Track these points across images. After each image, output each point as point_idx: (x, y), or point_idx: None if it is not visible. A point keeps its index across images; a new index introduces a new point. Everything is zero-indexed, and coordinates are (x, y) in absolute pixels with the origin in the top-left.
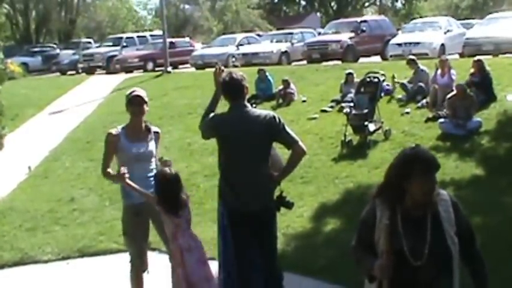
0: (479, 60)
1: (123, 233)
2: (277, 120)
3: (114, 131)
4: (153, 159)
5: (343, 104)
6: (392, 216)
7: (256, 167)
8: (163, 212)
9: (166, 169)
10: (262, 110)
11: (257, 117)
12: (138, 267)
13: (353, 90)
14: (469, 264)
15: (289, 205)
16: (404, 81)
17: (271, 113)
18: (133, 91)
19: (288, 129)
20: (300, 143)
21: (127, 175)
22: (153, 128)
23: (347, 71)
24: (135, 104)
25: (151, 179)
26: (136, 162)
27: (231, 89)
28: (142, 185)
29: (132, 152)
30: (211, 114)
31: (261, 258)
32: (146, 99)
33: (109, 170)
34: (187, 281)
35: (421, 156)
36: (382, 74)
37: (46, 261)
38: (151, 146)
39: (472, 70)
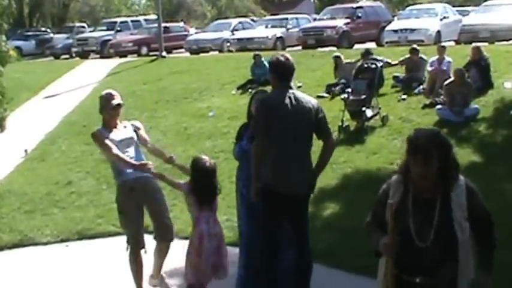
0: (477, 47)
1: (119, 212)
2: (321, 108)
3: (95, 130)
4: (134, 145)
5: (337, 88)
6: (404, 195)
7: (304, 149)
8: (193, 198)
9: (205, 158)
10: (307, 95)
11: (307, 101)
12: (136, 246)
13: (343, 73)
14: (478, 246)
15: None
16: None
17: (315, 100)
18: (110, 97)
19: (326, 117)
20: (333, 136)
21: (151, 166)
22: (128, 122)
23: (334, 54)
24: (114, 113)
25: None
26: (123, 147)
27: (285, 70)
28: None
29: (114, 139)
30: (260, 98)
31: (295, 241)
32: (122, 102)
33: (119, 152)
34: (197, 267)
35: (413, 137)
36: (380, 60)
37: (45, 244)
38: (130, 133)
39: (470, 57)
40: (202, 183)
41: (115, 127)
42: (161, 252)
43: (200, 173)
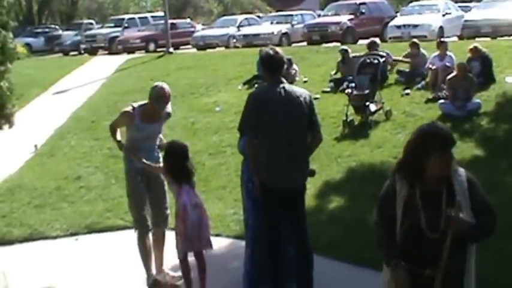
0: (475, 47)
1: (127, 195)
2: (313, 101)
3: (130, 110)
4: (156, 137)
5: (345, 84)
6: (411, 190)
7: (298, 143)
8: (168, 178)
9: (178, 141)
10: (299, 88)
11: (299, 95)
12: (143, 228)
13: (349, 67)
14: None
15: (313, 173)
16: (401, 68)
17: (308, 92)
18: (165, 98)
19: (317, 112)
20: (321, 131)
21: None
22: (167, 109)
23: (341, 47)
24: (158, 113)
25: (156, 152)
26: (145, 139)
27: (274, 63)
28: (147, 159)
29: (143, 132)
30: (251, 93)
31: (293, 234)
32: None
33: (117, 132)
34: (185, 236)
35: (438, 132)
36: (382, 56)
37: (55, 237)
38: (161, 125)
39: (469, 55)
40: (173, 164)
41: (153, 115)
42: (158, 243)
43: (171, 154)
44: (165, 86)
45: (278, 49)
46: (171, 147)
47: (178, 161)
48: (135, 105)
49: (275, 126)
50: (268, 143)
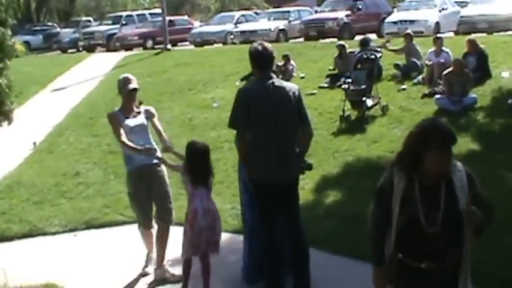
0: (472, 40)
1: (128, 194)
2: (301, 95)
3: (112, 112)
4: (145, 131)
5: (342, 79)
6: (409, 184)
7: (289, 138)
8: (187, 177)
9: (199, 140)
10: (287, 83)
11: (288, 90)
12: (145, 226)
13: (346, 63)
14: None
15: (310, 167)
16: (399, 62)
17: (297, 86)
18: (127, 81)
19: (305, 106)
20: (311, 125)
21: (155, 151)
22: (143, 107)
23: (339, 43)
24: (130, 97)
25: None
26: (133, 134)
27: (264, 59)
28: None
29: (128, 125)
30: (240, 89)
31: (288, 230)
32: (138, 87)
33: (125, 139)
34: (191, 240)
35: (440, 129)
36: (379, 52)
37: (54, 233)
38: (142, 119)
39: (466, 50)
40: (195, 163)
41: (131, 111)
42: (162, 238)
43: (193, 153)
44: (131, 76)
45: (267, 44)
46: (193, 147)
47: (200, 161)
48: (115, 108)
49: (264, 122)
50: (257, 139)
